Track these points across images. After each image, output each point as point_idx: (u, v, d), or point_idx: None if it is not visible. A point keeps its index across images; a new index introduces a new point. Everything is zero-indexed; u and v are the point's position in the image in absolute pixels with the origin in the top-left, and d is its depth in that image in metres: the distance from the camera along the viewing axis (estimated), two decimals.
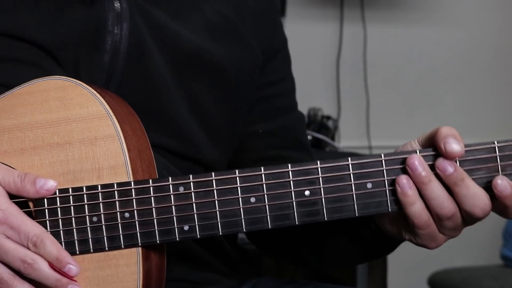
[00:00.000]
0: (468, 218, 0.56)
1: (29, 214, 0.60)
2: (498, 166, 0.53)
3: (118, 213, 0.57)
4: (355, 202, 0.53)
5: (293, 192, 0.54)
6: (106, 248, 0.57)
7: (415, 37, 1.91)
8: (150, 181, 0.57)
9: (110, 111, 0.60)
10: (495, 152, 0.53)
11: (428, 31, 1.92)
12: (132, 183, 0.57)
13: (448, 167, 0.52)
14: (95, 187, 0.58)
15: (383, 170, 0.53)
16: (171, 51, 0.67)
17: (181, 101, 0.68)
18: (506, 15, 2.00)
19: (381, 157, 0.53)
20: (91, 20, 0.65)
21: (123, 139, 0.59)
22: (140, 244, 0.57)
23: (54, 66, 0.65)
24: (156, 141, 0.65)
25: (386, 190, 0.53)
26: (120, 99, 0.63)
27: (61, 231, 0.58)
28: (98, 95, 0.60)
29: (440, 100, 1.96)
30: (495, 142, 0.53)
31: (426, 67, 1.93)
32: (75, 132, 0.60)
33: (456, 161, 0.53)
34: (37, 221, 0.58)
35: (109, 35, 0.64)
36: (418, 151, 0.54)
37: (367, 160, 0.53)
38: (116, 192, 0.57)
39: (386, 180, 0.53)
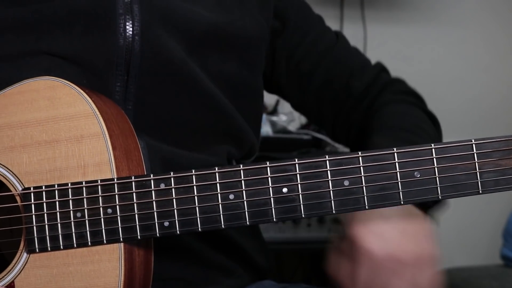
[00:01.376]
0: None
1: (17, 208, 0.61)
2: (475, 164, 0.52)
3: (101, 208, 0.58)
4: (332, 199, 0.53)
5: (271, 189, 0.54)
6: (89, 243, 0.58)
7: (415, 37, 1.90)
8: (133, 177, 0.58)
9: (96, 110, 0.61)
10: (472, 150, 0.52)
11: (428, 31, 1.91)
12: (115, 179, 0.58)
13: None
14: (79, 183, 0.59)
15: (360, 167, 0.53)
16: (185, 30, 0.68)
17: (204, 77, 0.69)
18: (506, 15, 1.98)
19: (358, 154, 0.53)
20: (100, 3, 0.65)
21: (108, 137, 0.60)
22: (121, 239, 0.57)
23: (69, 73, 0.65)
24: (195, 119, 0.67)
25: (363, 187, 0.53)
26: (110, 101, 0.64)
27: (46, 226, 0.59)
28: (85, 94, 0.61)
29: (440, 100, 1.95)
30: (473, 140, 0.53)
31: (426, 67, 1.92)
32: (63, 131, 0.61)
33: (433, 159, 0.53)
34: (24, 215, 0.60)
35: (120, 18, 0.65)
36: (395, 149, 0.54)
37: (344, 157, 0.53)
38: (99, 187, 0.58)
39: (363, 177, 0.53)
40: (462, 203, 2.15)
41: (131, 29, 0.65)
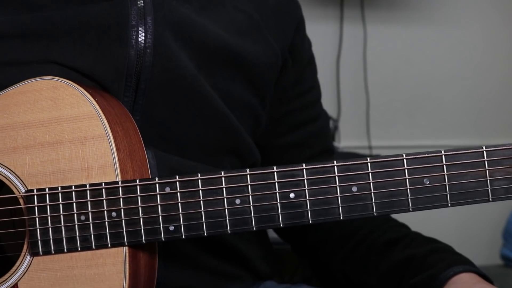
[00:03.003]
0: None
1: (20, 211, 0.60)
2: (486, 171, 0.52)
3: (105, 211, 0.57)
4: (340, 205, 0.53)
5: (277, 194, 0.54)
6: (93, 247, 0.57)
7: (415, 37, 1.89)
8: (137, 180, 0.57)
9: (100, 112, 0.60)
10: (483, 157, 0.52)
11: (428, 31, 1.90)
12: (120, 182, 0.57)
13: None
14: (83, 185, 0.58)
15: (368, 173, 0.53)
16: (197, 46, 0.67)
17: (214, 94, 0.68)
18: (506, 15, 1.98)
19: (366, 160, 0.53)
20: (113, 14, 0.64)
21: (112, 140, 0.59)
22: (126, 243, 0.57)
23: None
24: (202, 134, 0.66)
25: (371, 194, 0.53)
26: (113, 99, 0.63)
27: (50, 229, 0.58)
28: (89, 95, 0.61)
29: (440, 100, 1.94)
30: (484, 147, 0.52)
31: (426, 67, 1.91)
32: (66, 132, 0.60)
33: (443, 166, 0.52)
34: (27, 218, 0.59)
35: (132, 29, 0.64)
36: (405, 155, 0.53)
37: (352, 163, 0.53)
38: (103, 190, 0.57)
39: (371, 183, 0.53)
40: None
41: (143, 41, 0.64)
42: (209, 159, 0.69)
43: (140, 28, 0.65)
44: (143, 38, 0.64)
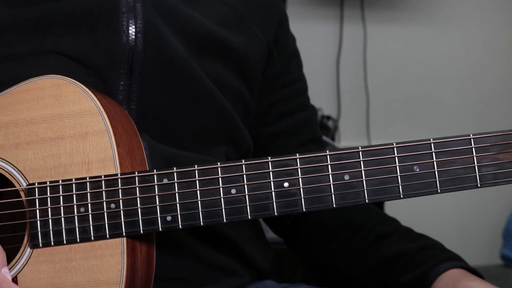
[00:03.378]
0: None
1: (21, 203, 0.62)
2: (474, 158, 0.53)
3: (104, 203, 0.58)
4: (332, 193, 0.54)
5: (272, 183, 0.55)
6: (92, 238, 0.59)
7: (415, 37, 1.90)
8: (136, 172, 0.59)
9: (101, 107, 0.62)
10: (471, 144, 0.53)
11: (428, 31, 1.91)
12: (119, 174, 0.59)
13: None
14: (83, 178, 0.59)
15: (360, 161, 0.54)
16: (184, 33, 0.69)
17: (206, 78, 0.70)
18: (506, 15, 1.99)
19: (358, 148, 0.54)
20: (104, 2, 0.66)
21: (112, 134, 0.61)
22: (124, 234, 0.58)
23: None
24: (197, 119, 0.67)
25: (363, 181, 0.54)
26: (114, 102, 0.65)
27: (50, 220, 0.60)
28: (90, 92, 0.62)
29: (440, 100, 1.95)
30: (471, 135, 0.53)
31: (426, 67, 1.92)
32: (68, 128, 0.62)
33: (432, 153, 0.53)
34: (28, 210, 0.60)
35: (123, 16, 0.66)
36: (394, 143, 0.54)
37: (344, 152, 0.54)
38: (103, 182, 0.59)
39: (363, 171, 0.54)
40: (462, 203, 2.14)
41: (133, 27, 0.66)
42: (204, 147, 0.70)
43: (130, 15, 0.67)
44: (134, 24, 0.66)
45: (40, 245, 0.60)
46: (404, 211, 1.99)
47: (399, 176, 0.53)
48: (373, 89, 1.86)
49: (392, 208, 1.74)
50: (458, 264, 0.65)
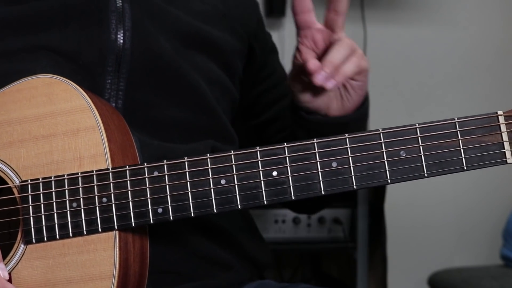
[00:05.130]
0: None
1: (13, 200, 0.62)
2: (459, 141, 0.53)
3: (96, 197, 0.59)
4: (321, 180, 0.54)
5: (261, 172, 0.55)
6: (85, 232, 0.59)
7: (415, 37, 1.90)
8: (127, 166, 0.59)
9: (92, 104, 0.63)
10: (456, 128, 0.54)
11: (428, 31, 1.91)
12: (110, 168, 0.59)
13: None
14: (75, 173, 0.60)
15: (347, 148, 0.54)
16: (172, 31, 0.71)
17: (193, 74, 0.71)
18: (506, 15, 1.99)
19: (345, 136, 0.55)
20: (94, 1, 0.68)
21: (103, 130, 0.62)
22: (116, 227, 0.58)
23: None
24: (182, 116, 0.70)
25: (350, 168, 0.54)
26: (105, 101, 0.66)
27: (43, 216, 0.60)
28: (81, 90, 0.63)
29: (440, 100, 1.95)
30: (456, 118, 0.54)
31: (426, 67, 1.92)
32: (60, 125, 0.63)
33: (418, 138, 0.54)
34: (21, 206, 0.61)
35: (112, 14, 0.68)
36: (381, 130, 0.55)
37: (331, 139, 0.55)
38: (94, 176, 0.59)
39: (350, 158, 0.54)
40: (462, 203, 2.13)
41: (122, 26, 0.68)
42: (191, 141, 0.71)
43: (119, 14, 0.68)
44: (122, 22, 0.68)
45: (34, 241, 0.60)
46: (404, 211, 1.99)
47: (386, 162, 0.54)
48: (373, 89, 1.86)
49: (392, 209, 1.74)
50: None
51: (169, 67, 0.70)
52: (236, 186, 0.56)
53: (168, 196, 0.57)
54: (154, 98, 0.69)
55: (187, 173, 0.57)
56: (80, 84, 0.64)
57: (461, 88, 1.96)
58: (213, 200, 0.56)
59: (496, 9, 1.98)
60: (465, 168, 0.53)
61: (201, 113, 0.72)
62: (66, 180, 0.60)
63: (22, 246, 0.61)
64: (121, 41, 0.68)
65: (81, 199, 0.59)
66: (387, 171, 0.54)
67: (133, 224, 0.58)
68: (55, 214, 0.60)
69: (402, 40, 1.89)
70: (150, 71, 0.69)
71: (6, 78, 0.64)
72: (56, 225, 0.59)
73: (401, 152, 0.53)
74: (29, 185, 0.61)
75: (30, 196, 0.61)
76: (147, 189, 0.58)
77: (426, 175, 0.53)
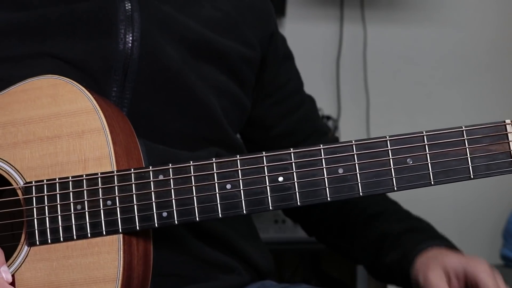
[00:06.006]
0: None
1: (18, 202, 0.62)
2: (466, 150, 0.53)
3: (100, 200, 0.59)
4: (327, 186, 0.54)
5: (267, 177, 0.55)
6: (89, 235, 0.59)
7: (415, 37, 1.90)
8: (132, 169, 0.59)
9: (97, 106, 0.62)
10: (463, 136, 0.53)
11: (428, 31, 1.91)
12: (115, 171, 0.59)
13: None
14: (80, 176, 0.60)
15: (353, 155, 0.54)
16: (181, 41, 0.70)
17: (200, 85, 0.71)
18: (506, 15, 1.99)
19: (351, 142, 0.54)
20: (103, 10, 0.68)
21: (108, 132, 0.61)
22: (121, 230, 0.58)
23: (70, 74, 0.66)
24: (187, 126, 0.69)
25: (357, 175, 0.54)
26: (111, 103, 0.66)
27: (47, 218, 0.60)
28: (87, 91, 0.63)
29: (440, 100, 1.95)
30: (463, 127, 0.53)
31: (426, 67, 1.92)
32: (64, 126, 0.63)
33: (425, 146, 0.54)
34: (25, 208, 0.61)
35: (121, 24, 0.67)
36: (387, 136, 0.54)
37: (338, 145, 0.54)
38: (99, 179, 0.59)
39: (357, 165, 0.54)
40: (462, 203, 2.13)
41: (131, 35, 0.67)
42: (195, 149, 0.70)
43: (128, 23, 0.68)
44: (131, 32, 0.68)
45: (37, 243, 0.60)
46: None
47: (392, 169, 0.54)
48: (373, 89, 1.86)
49: None
50: (438, 242, 0.66)
51: (176, 78, 0.69)
52: (242, 191, 0.55)
53: (173, 200, 0.57)
54: (159, 109, 0.69)
55: (192, 177, 0.57)
56: (88, 89, 0.64)
57: (461, 88, 1.96)
58: (218, 205, 0.56)
59: (496, 9, 1.98)
60: (472, 176, 0.53)
61: (206, 126, 0.71)
62: (70, 182, 0.60)
63: (25, 248, 0.61)
64: (129, 51, 0.67)
65: (86, 201, 0.59)
66: (394, 179, 0.53)
67: (137, 228, 0.58)
68: (60, 216, 0.59)
69: (402, 40, 1.89)
70: (156, 82, 0.69)
71: (10, 84, 0.64)
72: (60, 227, 0.59)
73: (408, 160, 0.53)
74: (34, 187, 0.61)
75: (34, 197, 0.61)
76: (152, 192, 0.58)
77: (432, 183, 0.53)
